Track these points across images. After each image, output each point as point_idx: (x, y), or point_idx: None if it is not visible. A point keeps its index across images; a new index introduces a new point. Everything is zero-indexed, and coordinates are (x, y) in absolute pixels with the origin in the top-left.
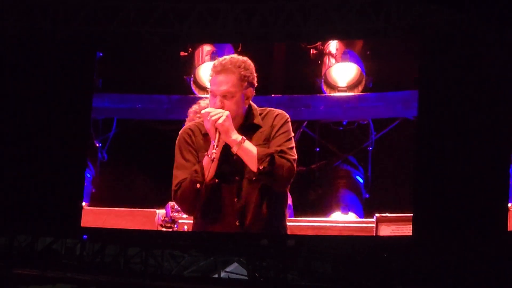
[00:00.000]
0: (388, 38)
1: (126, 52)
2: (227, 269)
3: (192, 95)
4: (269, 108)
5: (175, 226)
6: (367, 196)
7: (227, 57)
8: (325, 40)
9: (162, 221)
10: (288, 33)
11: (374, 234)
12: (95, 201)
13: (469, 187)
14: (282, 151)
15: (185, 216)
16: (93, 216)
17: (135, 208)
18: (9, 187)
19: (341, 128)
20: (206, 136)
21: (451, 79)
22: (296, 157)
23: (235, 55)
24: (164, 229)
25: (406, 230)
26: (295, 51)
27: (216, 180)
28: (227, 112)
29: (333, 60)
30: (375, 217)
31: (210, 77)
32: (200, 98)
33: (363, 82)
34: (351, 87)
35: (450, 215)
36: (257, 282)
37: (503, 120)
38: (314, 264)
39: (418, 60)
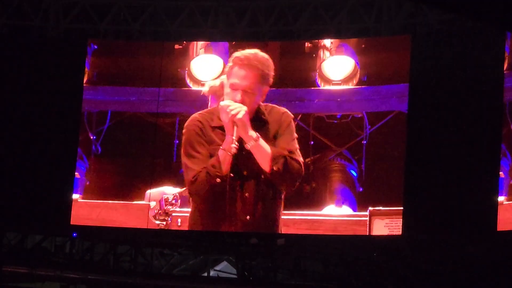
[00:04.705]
0: (379, 37)
1: (120, 46)
2: (217, 268)
3: (186, 88)
4: (271, 105)
5: (169, 219)
6: (360, 189)
7: (251, 51)
8: (316, 39)
9: (156, 214)
10: (278, 32)
11: (368, 227)
12: (89, 194)
13: (460, 182)
14: (291, 152)
15: (178, 209)
16: (87, 209)
17: (129, 201)
18: None
19: (335, 121)
20: (215, 129)
21: (442, 75)
22: (302, 159)
23: (258, 51)
24: (157, 222)
25: (400, 223)
26: (289, 44)
27: (232, 175)
28: (245, 107)
29: (327, 54)
30: (368, 211)
31: (230, 68)
32: (194, 91)
33: (358, 75)
34: (346, 80)
35: (440, 211)
36: (246, 280)
37: (492, 115)
38: (304, 263)
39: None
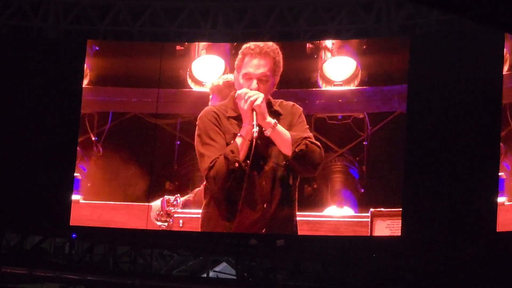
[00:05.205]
0: (379, 38)
1: (120, 47)
2: (216, 269)
3: (187, 89)
4: (280, 100)
5: (170, 220)
6: (362, 190)
7: (260, 42)
8: (315, 40)
9: (157, 215)
10: (278, 32)
11: (369, 229)
12: (90, 195)
13: (460, 183)
14: (309, 137)
15: (180, 210)
16: (89, 210)
17: (130, 201)
18: None
19: (336, 122)
20: (229, 119)
21: (441, 76)
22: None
23: (267, 42)
24: (159, 223)
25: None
26: (291, 45)
27: (248, 162)
28: (262, 94)
29: (329, 55)
30: (370, 212)
31: (240, 60)
32: (196, 92)
33: (359, 76)
34: (347, 81)
35: (440, 211)
36: (246, 281)
37: (492, 116)
38: (304, 264)
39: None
